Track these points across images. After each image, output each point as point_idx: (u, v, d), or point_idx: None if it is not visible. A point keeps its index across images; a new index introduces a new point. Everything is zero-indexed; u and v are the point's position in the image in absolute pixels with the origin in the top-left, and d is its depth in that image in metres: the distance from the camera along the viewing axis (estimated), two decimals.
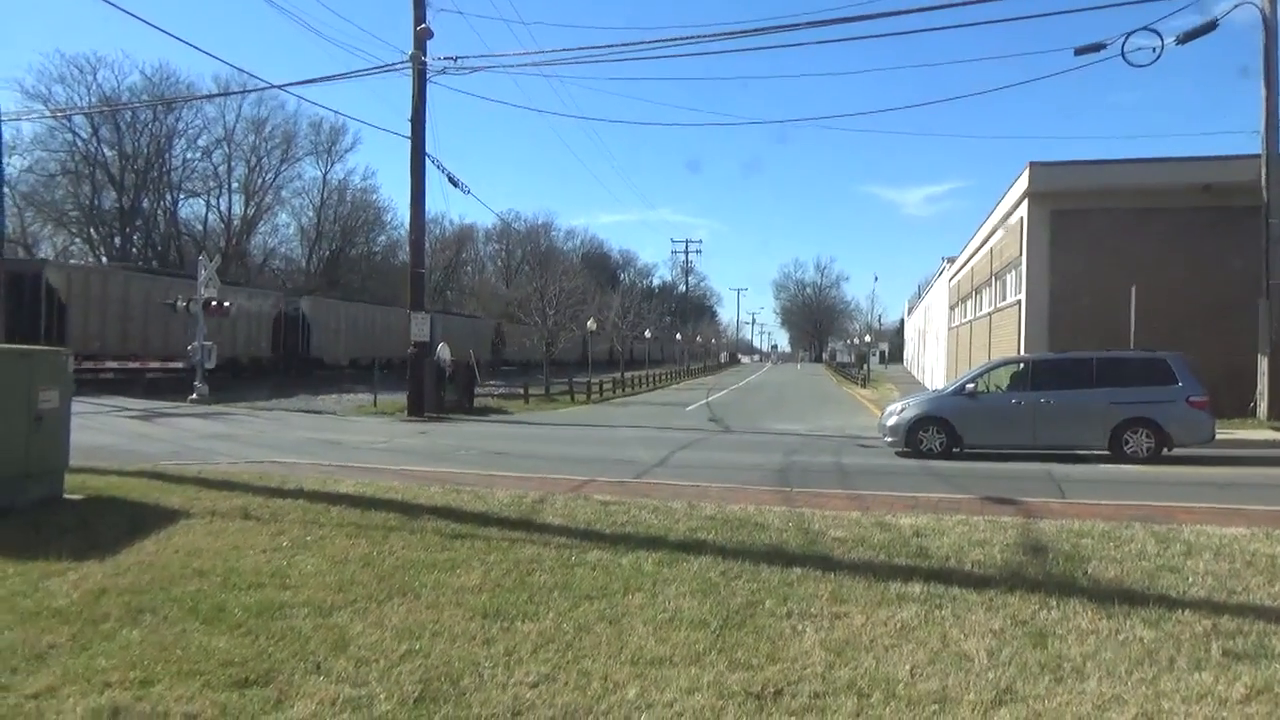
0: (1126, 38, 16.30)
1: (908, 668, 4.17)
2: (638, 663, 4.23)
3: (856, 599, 5.24)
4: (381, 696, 3.79)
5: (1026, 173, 22.33)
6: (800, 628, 4.75)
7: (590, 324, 43.50)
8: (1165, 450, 13.78)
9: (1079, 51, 17.33)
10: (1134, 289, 17.50)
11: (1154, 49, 16.25)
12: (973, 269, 34.00)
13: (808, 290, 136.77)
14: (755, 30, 14.48)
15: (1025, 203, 22.63)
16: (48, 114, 50.69)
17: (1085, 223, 21.66)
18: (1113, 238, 20.99)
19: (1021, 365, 15.56)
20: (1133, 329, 17.30)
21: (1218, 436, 14.30)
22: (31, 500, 7.64)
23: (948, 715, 3.65)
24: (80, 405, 11.24)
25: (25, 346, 9.22)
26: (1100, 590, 5.39)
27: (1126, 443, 13.79)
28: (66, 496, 8.12)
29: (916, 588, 5.42)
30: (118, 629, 4.63)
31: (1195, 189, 20.35)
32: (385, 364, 41.87)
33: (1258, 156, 18.22)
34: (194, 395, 23.87)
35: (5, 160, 12.23)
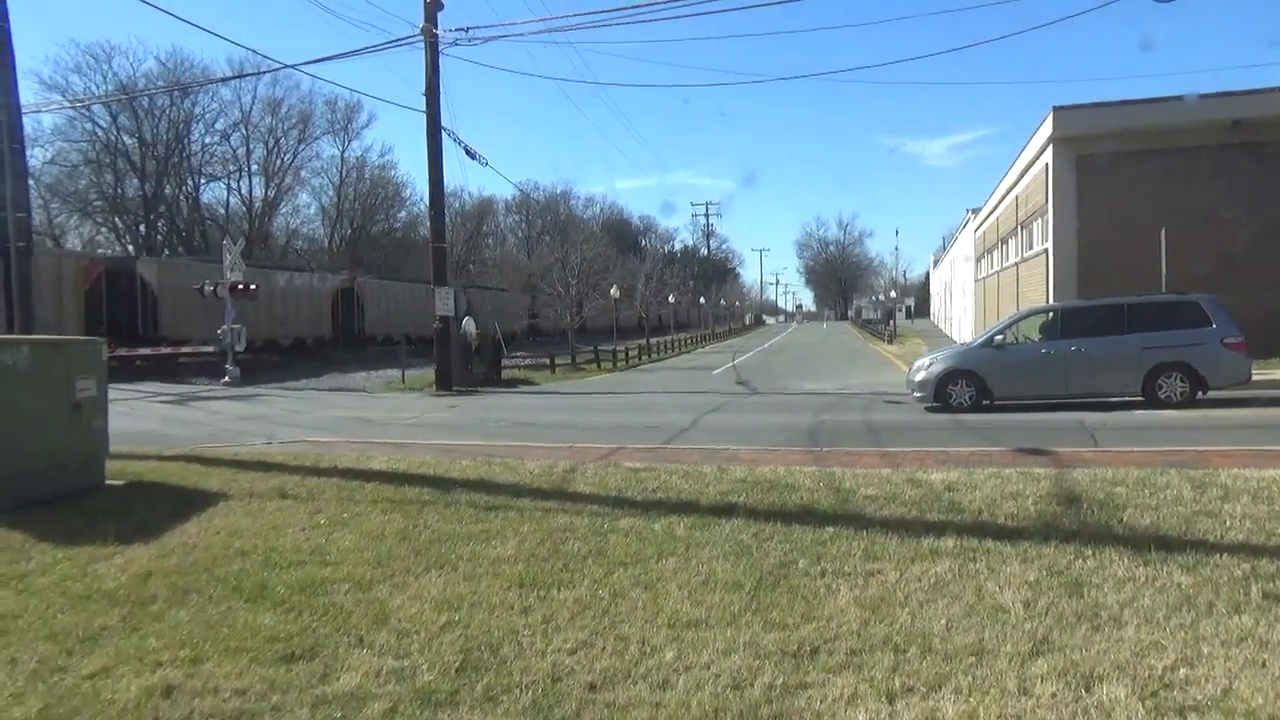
0: None
1: (943, 622, 4.19)
2: (674, 626, 4.28)
3: (890, 556, 5.25)
4: (424, 667, 3.87)
5: (1050, 118, 21.89)
6: (834, 586, 4.77)
7: (614, 291, 43.47)
8: (1200, 394, 13.60)
9: None
10: (1164, 231, 17.16)
11: None
12: (998, 219, 33.49)
13: (831, 248, 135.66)
14: None
15: (1050, 148, 22.20)
16: (66, 104, 51.00)
17: (1112, 166, 21.24)
18: (1140, 180, 20.58)
19: (1050, 314, 15.37)
20: (1164, 272, 17.00)
21: (1254, 377, 14.09)
22: (75, 487, 7.80)
23: (985, 668, 3.66)
24: (115, 392, 11.44)
25: (60, 337, 9.38)
26: (1136, 537, 5.36)
27: (1160, 387, 13.62)
28: (108, 482, 8.28)
29: (950, 542, 5.42)
30: (166, 609, 4.74)
31: (1224, 125, 19.85)
32: (294, 343, 34.00)
33: None
34: (226, 378, 24.17)
35: (28, 153, 12.34)
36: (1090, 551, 5.11)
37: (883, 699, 3.43)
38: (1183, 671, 3.56)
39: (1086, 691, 3.42)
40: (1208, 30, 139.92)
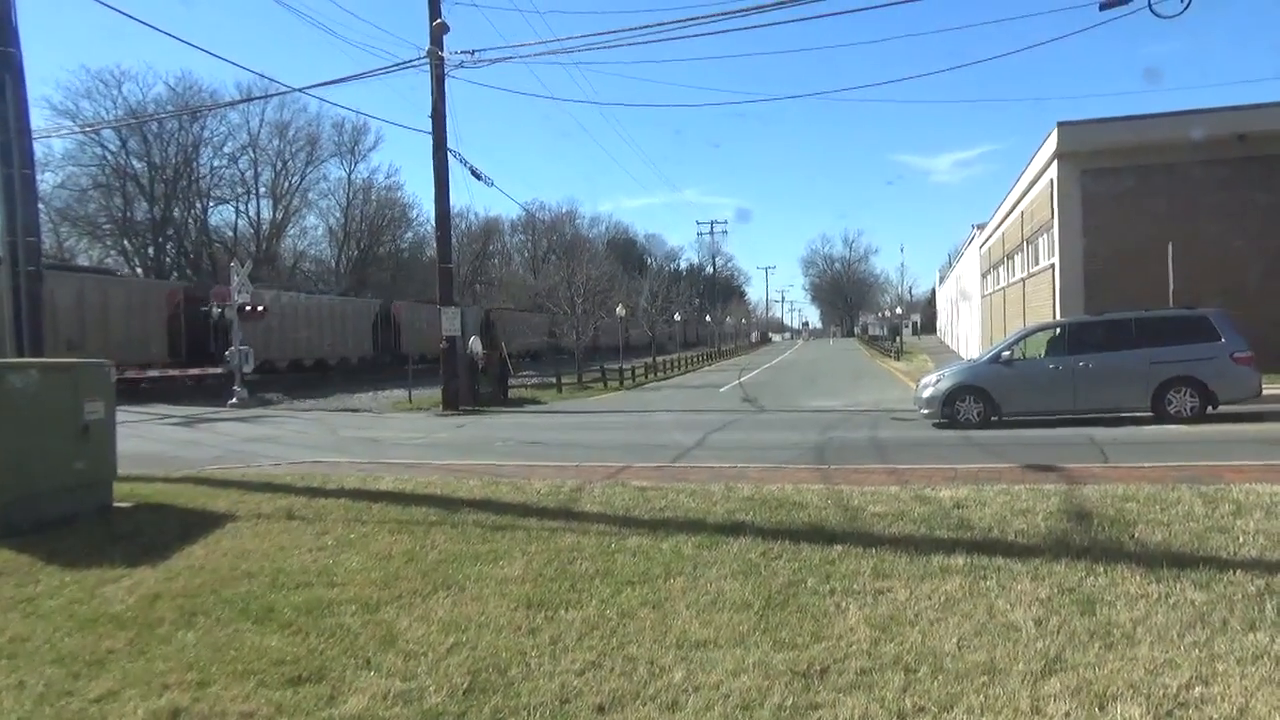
0: None
1: (954, 640, 4.15)
2: (682, 646, 4.25)
3: (899, 574, 5.21)
4: (431, 689, 3.84)
5: (1055, 133, 21.94)
6: (843, 605, 4.74)
7: (620, 310, 43.51)
8: (1210, 408, 13.54)
9: (1104, 6, 16.92)
10: (1170, 245, 17.14)
11: None
12: (1004, 235, 33.50)
13: (836, 265, 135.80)
14: (776, 4, 14.23)
15: (1055, 164, 22.23)
16: (77, 129, 51.53)
17: (1117, 181, 21.26)
18: (1146, 194, 20.60)
19: (1058, 329, 15.35)
20: (1171, 286, 16.96)
21: (1264, 392, 14.01)
22: (83, 510, 7.80)
23: (997, 687, 3.63)
24: (123, 415, 11.47)
25: (69, 360, 9.41)
26: (1148, 554, 5.32)
27: (1169, 403, 13.57)
28: (116, 505, 8.29)
29: (960, 560, 5.38)
30: (173, 632, 4.73)
31: (1230, 139, 19.87)
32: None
33: None
34: (234, 400, 24.23)
35: (39, 177, 12.45)
36: (1102, 569, 5.07)
37: (894, 719, 3.40)
38: (1198, 690, 3.52)
39: (1100, 711, 3.38)
40: (1213, 44, 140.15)
